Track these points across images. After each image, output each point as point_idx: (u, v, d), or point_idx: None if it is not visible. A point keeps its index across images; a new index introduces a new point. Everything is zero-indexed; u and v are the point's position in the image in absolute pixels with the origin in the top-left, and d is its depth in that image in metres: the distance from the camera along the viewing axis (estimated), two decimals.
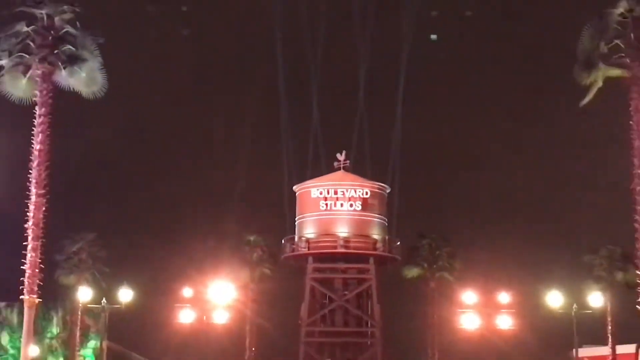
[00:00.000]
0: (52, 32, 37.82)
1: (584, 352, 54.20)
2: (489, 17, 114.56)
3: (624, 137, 36.36)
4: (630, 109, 35.65)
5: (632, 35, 35.79)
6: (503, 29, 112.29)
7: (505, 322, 64.58)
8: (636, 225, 35.06)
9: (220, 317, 64.81)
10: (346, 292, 62.35)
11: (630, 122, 35.69)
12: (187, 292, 63.94)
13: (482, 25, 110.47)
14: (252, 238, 66.94)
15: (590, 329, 51.51)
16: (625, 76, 35.83)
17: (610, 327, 49.77)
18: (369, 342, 62.00)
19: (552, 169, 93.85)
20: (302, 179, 64.73)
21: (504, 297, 64.71)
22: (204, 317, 64.39)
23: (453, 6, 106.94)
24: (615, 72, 36.04)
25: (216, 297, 64.18)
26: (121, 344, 64.10)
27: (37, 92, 37.51)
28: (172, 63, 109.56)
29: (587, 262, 52.45)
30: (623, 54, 35.81)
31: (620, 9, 36.17)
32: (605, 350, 53.07)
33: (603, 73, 36.14)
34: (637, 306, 35.72)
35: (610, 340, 50.30)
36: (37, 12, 37.48)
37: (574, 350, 50.20)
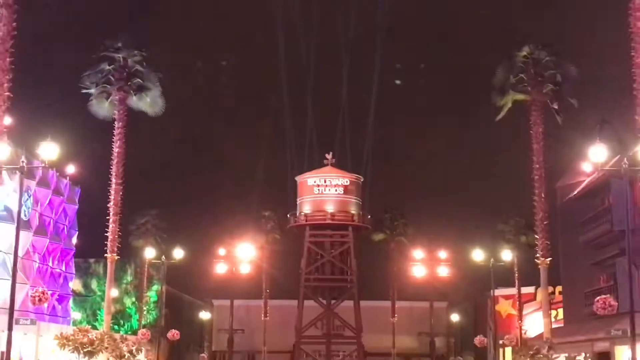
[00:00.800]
0: (126, 69, 38.16)
1: (498, 292, 54.71)
2: (435, 65, 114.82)
3: (525, 141, 36.92)
4: (530, 122, 36.16)
5: (531, 70, 36.27)
6: (443, 71, 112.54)
7: (443, 271, 65.21)
8: (534, 204, 35.70)
9: (244, 269, 65.24)
10: (332, 251, 62.64)
11: (530, 132, 36.22)
12: (221, 251, 64.38)
13: (430, 70, 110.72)
14: (266, 213, 67.51)
15: (503, 276, 51.95)
16: (527, 99, 36.29)
17: (516, 275, 50.26)
18: (348, 286, 62.33)
19: (480, 163, 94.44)
20: (301, 171, 65.16)
21: (443, 253, 65.43)
22: (233, 268, 64.76)
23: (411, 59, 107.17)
24: (520, 96, 36.56)
25: (241, 255, 64.57)
26: (175, 288, 64.56)
27: (116, 112, 37.88)
28: (212, 90, 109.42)
29: (500, 229, 52.93)
30: (525, 84, 36.27)
31: (524, 52, 36.65)
32: (513, 291, 53.62)
33: (512, 97, 36.60)
34: (535, 260, 36.31)
35: (516, 284, 50.80)
36: (116, 55, 37.78)
37: (491, 290, 50.79)
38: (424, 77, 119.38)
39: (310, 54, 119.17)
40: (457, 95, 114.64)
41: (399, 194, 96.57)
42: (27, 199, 43.77)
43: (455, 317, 73.87)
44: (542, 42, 38.05)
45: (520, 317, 55.32)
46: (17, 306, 24.10)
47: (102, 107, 38.28)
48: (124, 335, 42.68)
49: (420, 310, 69.34)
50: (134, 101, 38.56)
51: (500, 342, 59.35)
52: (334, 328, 62.62)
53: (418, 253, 65.80)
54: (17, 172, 26.05)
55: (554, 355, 33.15)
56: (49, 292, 29.23)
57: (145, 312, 57.49)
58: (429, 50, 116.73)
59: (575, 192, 48.07)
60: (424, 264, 65.55)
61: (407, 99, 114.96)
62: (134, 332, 49.17)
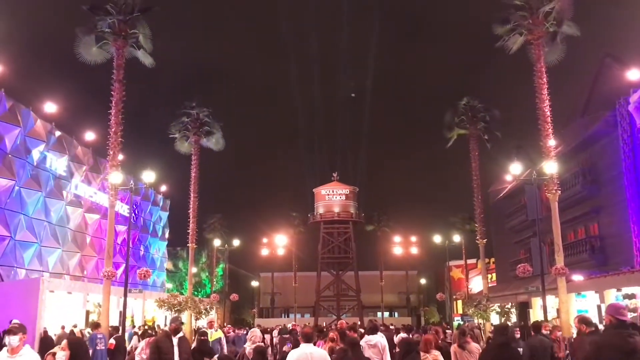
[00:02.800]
0: (198, 120, 38.18)
1: (452, 263, 54.71)
2: (407, 110, 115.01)
3: (466, 161, 36.92)
4: (469, 148, 36.18)
5: (469, 113, 36.30)
6: (413, 115, 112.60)
7: (414, 250, 65.09)
8: (474, 203, 35.66)
9: (280, 252, 65.25)
10: (339, 238, 62.60)
11: (470, 154, 36.22)
12: (264, 240, 64.58)
13: (404, 113, 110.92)
14: (294, 214, 67.64)
15: (454, 252, 51.94)
16: (467, 133, 36.28)
17: (463, 251, 50.03)
18: (350, 262, 62.23)
19: (437, 176, 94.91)
20: (316, 185, 65.15)
21: (414, 238, 65.32)
22: (272, 251, 64.84)
23: (390, 106, 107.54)
24: (462, 131, 36.45)
25: (278, 242, 64.69)
26: (234, 266, 64.70)
27: (192, 149, 37.96)
28: (255, 130, 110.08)
29: (452, 221, 52.68)
30: (466, 122, 36.26)
31: (464, 101, 36.65)
32: (462, 262, 53.36)
33: (457, 132, 36.54)
34: (476, 241, 36.20)
35: (464, 257, 50.58)
36: (191, 111, 37.90)
37: (447, 262, 50.67)
38: (400, 119, 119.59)
39: (319, 104, 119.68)
40: (420, 130, 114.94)
41: (383, 198, 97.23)
42: (135, 209, 44.10)
43: (423, 281, 73.77)
44: (475, 94, 38.09)
45: (467, 279, 55.16)
46: (130, 280, 24.22)
47: (183, 146, 38.40)
48: (201, 298, 42.74)
49: (399, 277, 69.16)
50: (204, 142, 38.70)
51: (454, 297, 59.27)
52: (341, 290, 62.51)
53: (397, 238, 66.00)
54: (128, 191, 26.30)
55: (490, 305, 32.96)
56: (151, 270, 29.34)
57: (215, 282, 57.65)
58: (403, 99, 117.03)
59: (502, 194, 48.09)
60: (401, 245, 65.78)
61: (387, 133, 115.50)
62: (208, 296, 49.24)
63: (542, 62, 24.17)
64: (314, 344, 8.27)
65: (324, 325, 40.27)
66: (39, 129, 33.01)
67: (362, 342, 10.54)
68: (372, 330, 11.33)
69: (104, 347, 15.50)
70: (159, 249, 53.40)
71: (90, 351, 15.22)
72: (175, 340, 8.21)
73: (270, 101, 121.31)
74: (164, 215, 54.84)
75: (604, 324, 6.67)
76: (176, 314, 29.40)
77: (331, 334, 10.71)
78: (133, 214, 38.20)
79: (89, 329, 21.94)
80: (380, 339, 11.07)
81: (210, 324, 12.79)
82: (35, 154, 32.61)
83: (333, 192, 63.35)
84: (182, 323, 9.10)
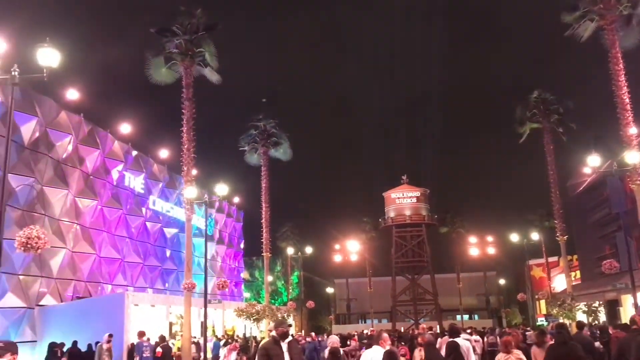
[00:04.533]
0: (266, 132, 38.84)
1: (531, 262, 52.89)
2: (477, 111, 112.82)
3: (540, 156, 35.72)
4: (544, 143, 34.99)
5: (541, 106, 35.14)
6: (482, 114, 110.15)
7: (491, 250, 63.41)
8: (552, 198, 34.36)
9: (353, 257, 65.20)
10: (412, 242, 61.88)
11: (544, 149, 35.00)
12: (337, 246, 64.76)
13: (472, 113, 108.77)
14: (365, 219, 67.60)
15: (533, 251, 50.19)
16: (540, 127, 35.13)
17: (544, 249, 48.26)
18: (425, 265, 61.29)
19: (511, 173, 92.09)
20: (386, 189, 64.57)
21: (490, 238, 63.65)
22: (345, 257, 64.90)
23: (459, 110, 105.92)
24: (535, 125, 35.33)
25: (350, 248, 64.67)
26: (308, 273, 65.20)
27: (262, 161, 38.60)
28: (323, 140, 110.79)
29: (530, 218, 50.98)
30: (538, 116, 35.13)
31: (534, 94, 35.55)
32: (542, 260, 51.46)
33: (529, 126, 35.46)
34: (556, 238, 34.84)
35: (544, 255, 48.75)
36: (259, 123, 38.60)
37: (526, 261, 49.01)
38: (468, 117, 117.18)
39: (385, 108, 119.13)
40: (490, 127, 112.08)
41: (456, 199, 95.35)
42: (210, 221, 45.38)
43: (502, 282, 71.61)
44: (546, 87, 36.95)
45: (549, 278, 53.14)
46: (209, 291, 24.94)
47: (253, 158, 39.13)
48: (278, 306, 43.33)
49: (477, 278, 67.54)
50: (272, 152, 39.29)
51: (536, 297, 57.21)
52: (417, 294, 61.64)
53: (472, 239, 64.49)
54: (203, 204, 27.11)
55: (575, 304, 31.53)
56: (228, 281, 30.05)
57: (290, 290, 58.31)
58: (470, 97, 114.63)
59: (581, 188, 46.06)
60: (477, 246, 64.20)
61: (456, 132, 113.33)
62: (285, 304, 49.85)
63: (617, 47, 23.09)
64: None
65: (402, 330, 39.88)
66: (117, 149, 34.69)
67: (445, 345, 10.98)
68: (454, 333, 11.54)
69: (149, 355, 16.20)
70: (235, 260, 54.66)
71: (137, 358, 16.02)
72: (284, 345, 8.15)
73: (337, 108, 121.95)
74: (238, 226, 56.12)
75: None
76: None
77: (402, 350, 10.76)
78: (209, 227, 39.35)
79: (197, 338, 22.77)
80: (463, 341, 11.18)
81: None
82: (115, 174, 34.27)
83: (403, 195, 62.74)
84: (290, 325, 9.01)
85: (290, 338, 8.93)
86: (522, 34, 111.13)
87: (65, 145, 29.43)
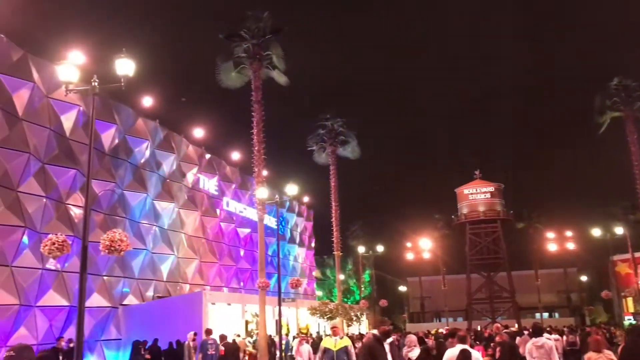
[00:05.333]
0: (333, 131, 39.04)
1: (616, 257, 50.46)
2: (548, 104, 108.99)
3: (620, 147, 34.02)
4: (626, 132, 33.28)
5: (622, 94, 33.43)
6: (554, 104, 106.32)
7: (571, 246, 60.95)
8: (637, 190, 32.60)
9: (425, 255, 64.43)
10: (487, 239, 60.27)
11: (628, 139, 33.27)
12: (408, 244, 64.17)
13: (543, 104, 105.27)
14: (437, 216, 66.50)
15: (618, 245, 47.85)
16: (621, 115, 33.42)
17: (629, 243, 45.83)
18: (501, 262, 59.52)
19: (590, 165, 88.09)
20: (458, 185, 63.22)
21: (569, 233, 61.16)
22: (417, 255, 64.20)
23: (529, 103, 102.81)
24: (616, 114, 33.68)
25: (423, 245, 63.88)
26: (380, 271, 64.93)
27: (330, 160, 38.83)
28: (389, 137, 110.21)
29: (612, 211, 48.54)
30: (619, 104, 33.45)
31: (615, 81, 33.87)
32: (628, 255, 48.85)
33: (610, 115, 33.86)
34: None
35: (630, 250, 46.27)
36: (327, 123, 38.87)
37: (610, 257, 46.72)
38: (542, 108, 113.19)
39: (454, 103, 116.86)
40: (565, 118, 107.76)
41: (532, 193, 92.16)
42: (282, 221, 46.06)
43: (583, 278, 68.48)
44: (626, 73, 35.10)
45: (636, 274, 50.29)
46: (283, 289, 25.32)
47: (321, 157, 39.42)
48: (351, 305, 43.39)
49: (557, 275, 65.09)
50: (340, 151, 39.43)
51: (622, 294, 54.45)
52: (494, 292, 59.99)
53: (550, 234, 62.13)
54: (274, 204, 27.56)
55: None
56: (302, 280, 30.40)
57: (362, 289, 58.25)
58: (544, 89, 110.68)
59: None
60: (555, 241, 61.81)
61: (529, 125, 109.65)
62: (357, 302, 49.87)
63: None
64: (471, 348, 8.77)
65: (479, 328, 38.93)
66: (191, 153, 35.90)
67: (529, 344, 11.25)
68: (537, 332, 11.68)
69: (214, 352, 16.71)
70: (306, 258, 55.23)
71: (201, 356, 16.55)
72: (386, 346, 8.02)
73: (404, 104, 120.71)
74: (309, 225, 56.67)
75: None
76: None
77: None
78: (280, 226, 39.98)
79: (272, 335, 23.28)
80: (546, 340, 11.30)
81: (335, 331, 11.37)
82: (190, 177, 35.48)
83: (477, 190, 61.21)
84: (392, 324, 8.76)
85: (391, 338, 8.72)
86: (597, 18, 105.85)
87: (143, 151, 30.77)
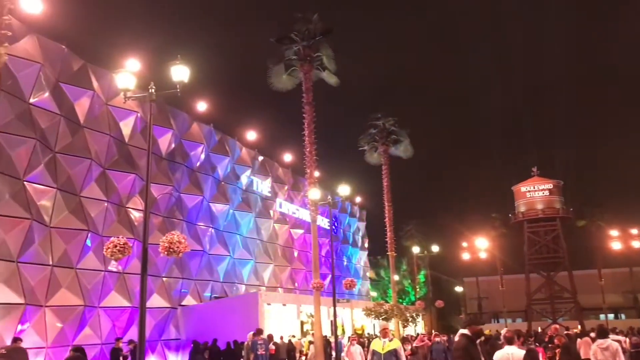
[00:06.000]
0: (385, 130, 38.76)
1: None
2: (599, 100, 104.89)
3: None
4: None
5: None
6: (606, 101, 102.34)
7: (636, 244, 58.47)
8: None
9: (482, 255, 63.21)
10: (546, 237, 58.47)
11: None
12: (464, 244, 63.17)
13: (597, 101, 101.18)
14: (494, 215, 65.13)
15: None
16: None
17: None
18: (561, 261, 57.63)
19: None
20: (514, 183, 61.64)
21: (634, 230, 58.75)
22: (473, 255, 62.99)
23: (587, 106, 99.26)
24: None
25: (479, 245, 62.67)
26: (435, 272, 64.09)
27: (382, 159, 38.58)
28: (444, 136, 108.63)
29: None
30: None
31: None
32: None
33: None
34: None
35: None
36: (378, 122, 38.63)
37: None
38: (600, 101, 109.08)
39: (508, 99, 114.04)
40: (624, 111, 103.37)
41: (593, 190, 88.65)
42: (335, 222, 46.13)
43: None
44: None
45: None
46: (336, 290, 25.34)
47: (373, 157, 39.22)
48: (407, 306, 43.01)
49: (622, 274, 62.54)
50: (393, 150, 39.11)
51: None
52: (554, 292, 58.16)
53: (614, 232, 59.67)
54: (327, 205, 27.63)
55: None
56: (356, 280, 30.35)
57: (418, 289, 57.66)
58: (601, 80, 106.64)
59: None
60: (620, 239, 59.30)
61: (587, 119, 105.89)
62: (412, 303, 49.40)
63: None
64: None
65: (540, 330, 37.88)
66: (245, 156, 36.50)
67: (594, 346, 11.26)
68: (603, 334, 11.63)
69: (264, 352, 16.91)
70: (360, 259, 55.09)
71: (252, 356, 16.78)
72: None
73: (457, 101, 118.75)
74: (362, 225, 56.52)
75: None
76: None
77: None
78: (333, 227, 40.03)
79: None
80: (612, 342, 11.19)
81: (384, 333, 10.77)
82: (244, 179, 36.06)
83: (534, 188, 59.52)
84: (483, 324, 8.43)
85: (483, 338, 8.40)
86: None
87: (198, 154, 31.51)
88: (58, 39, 22.54)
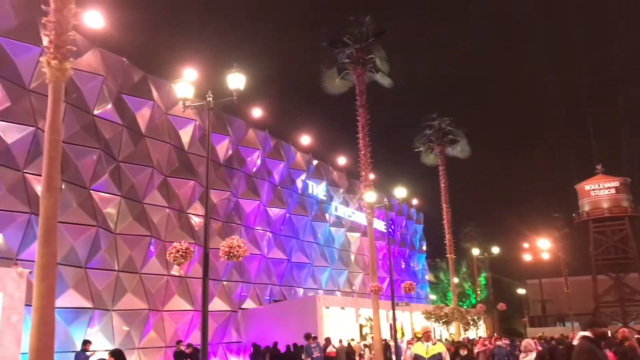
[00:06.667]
0: (441, 131, 38.38)
1: None
2: None
3: None
4: None
5: None
6: None
7: None
8: None
9: (545, 256, 61.36)
10: (614, 237, 56.13)
11: None
12: (525, 245, 61.58)
13: None
14: (556, 215, 63.19)
15: None
16: None
17: None
18: (630, 262, 55.17)
19: None
20: (578, 181, 59.53)
21: None
22: (536, 256, 61.26)
23: None
24: None
25: (541, 246, 60.96)
26: (496, 274, 62.64)
27: (439, 160, 38.19)
28: (504, 130, 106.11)
29: None
30: None
31: None
32: None
33: None
34: None
35: None
36: (434, 122, 38.25)
37: None
38: None
39: (568, 96, 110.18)
40: None
41: None
42: (391, 224, 45.83)
43: None
44: None
45: None
46: (395, 293, 25.17)
47: (429, 158, 38.94)
48: (467, 309, 42.23)
49: None
50: (449, 151, 38.68)
51: None
52: (625, 294, 55.69)
53: None
54: (383, 208, 27.49)
55: None
56: (415, 284, 30.08)
57: (478, 292, 56.52)
58: None
59: None
60: None
61: None
62: (473, 306, 48.44)
63: None
64: None
65: (609, 334, 36.39)
66: (299, 160, 36.81)
67: None
68: None
69: (319, 355, 16.94)
70: (418, 262, 54.51)
71: None
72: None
73: (518, 98, 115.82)
74: (419, 228, 55.92)
75: None
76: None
77: None
78: (390, 230, 39.77)
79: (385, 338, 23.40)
80: None
81: (427, 336, 10.15)
82: (299, 183, 36.37)
83: (599, 186, 57.28)
84: (606, 325, 7.98)
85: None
86: None
87: (254, 160, 32.04)
88: (118, 52, 23.46)
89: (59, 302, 15.84)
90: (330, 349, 19.59)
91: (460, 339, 32.97)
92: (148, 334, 22.46)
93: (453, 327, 34.69)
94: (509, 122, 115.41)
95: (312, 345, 17.84)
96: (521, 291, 70.08)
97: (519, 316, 69.83)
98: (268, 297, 30.94)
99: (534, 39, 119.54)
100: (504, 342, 20.72)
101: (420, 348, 10.10)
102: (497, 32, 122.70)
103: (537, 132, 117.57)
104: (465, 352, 20.41)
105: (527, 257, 63.51)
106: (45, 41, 13.36)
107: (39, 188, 16.57)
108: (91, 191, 21.00)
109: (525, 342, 13.68)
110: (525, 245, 63.40)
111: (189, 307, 24.52)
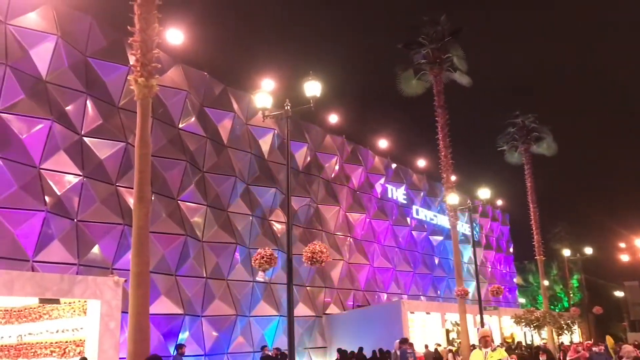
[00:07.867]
0: (524, 128, 37.24)
1: None
2: None
3: None
4: None
5: None
6: None
7: None
8: None
9: None
10: None
11: None
12: (622, 244, 58.13)
13: None
14: None
15: None
16: None
17: None
18: None
19: None
20: None
21: None
22: (634, 257, 57.64)
23: None
24: None
25: None
26: (590, 275, 59.52)
27: (523, 158, 37.03)
28: (592, 123, 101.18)
29: None
30: None
31: None
32: None
33: None
34: None
35: None
36: (517, 120, 37.16)
37: None
38: None
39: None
40: None
41: None
42: (476, 227, 44.65)
43: None
44: None
45: None
46: (483, 297, 24.47)
47: (513, 157, 37.83)
48: (560, 312, 40.38)
49: None
50: (534, 149, 37.39)
51: None
52: None
53: None
54: (466, 210, 26.83)
55: None
56: (502, 287, 29.13)
57: (571, 295, 53.92)
58: None
59: None
60: None
61: None
62: (566, 310, 46.27)
63: None
64: None
65: None
66: (378, 164, 36.69)
67: None
68: None
69: None
70: (506, 265, 52.74)
71: None
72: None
73: (606, 89, 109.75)
74: (505, 229, 54.15)
75: None
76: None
77: None
78: (475, 232, 38.78)
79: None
80: None
81: (485, 342, 9.26)
82: (378, 187, 36.23)
83: None
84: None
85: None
86: None
87: (332, 166, 32.26)
88: (199, 66, 24.38)
89: (152, 309, 16.54)
90: (417, 354, 19.51)
91: (540, 343, 31.59)
92: (236, 339, 23.05)
93: (545, 332, 33.23)
94: (600, 114, 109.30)
95: (409, 351, 17.74)
96: (619, 294, 66.13)
97: (618, 320, 65.92)
98: (352, 303, 30.96)
99: (623, 27, 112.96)
100: (599, 348, 19.58)
101: (478, 355, 9.28)
102: (584, 20, 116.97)
103: (631, 123, 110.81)
104: (545, 358, 19.50)
105: (624, 258, 59.84)
106: (132, 60, 14.10)
107: (131, 200, 17.30)
108: (179, 201, 21.88)
109: (624, 347, 12.88)
110: (622, 244, 59.77)
111: (274, 313, 24.96)
